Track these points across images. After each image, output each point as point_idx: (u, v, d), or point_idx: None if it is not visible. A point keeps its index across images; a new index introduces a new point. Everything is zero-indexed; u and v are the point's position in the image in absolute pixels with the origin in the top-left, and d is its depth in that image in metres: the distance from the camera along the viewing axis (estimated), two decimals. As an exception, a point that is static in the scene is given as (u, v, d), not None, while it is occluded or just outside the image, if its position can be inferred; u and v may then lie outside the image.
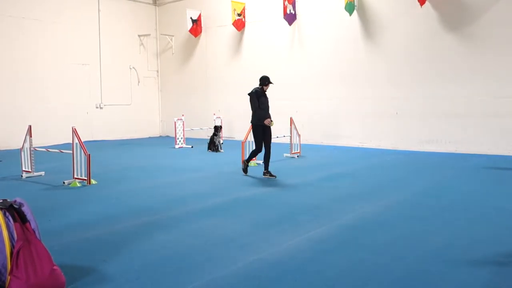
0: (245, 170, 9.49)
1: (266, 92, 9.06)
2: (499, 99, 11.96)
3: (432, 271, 4.13)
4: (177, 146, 14.96)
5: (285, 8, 15.19)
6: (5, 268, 3.51)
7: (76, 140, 8.57)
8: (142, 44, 19.39)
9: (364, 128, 14.28)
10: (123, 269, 4.22)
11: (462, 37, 12.47)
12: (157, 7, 19.94)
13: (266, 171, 9.13)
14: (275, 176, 8.98)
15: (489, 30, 12.04)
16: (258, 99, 8.88)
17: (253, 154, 9.44)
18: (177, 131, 15.07)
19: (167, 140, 17.66)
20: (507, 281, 3.93)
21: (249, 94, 9.04)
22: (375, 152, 13.03)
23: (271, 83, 9.04)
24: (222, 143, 14.04)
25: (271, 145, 9.21)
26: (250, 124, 9.31)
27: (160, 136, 20.10)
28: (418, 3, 12.67)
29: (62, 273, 3.76)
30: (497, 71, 11.95)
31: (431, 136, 13.00)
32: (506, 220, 5.81)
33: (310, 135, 15.01)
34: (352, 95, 14.53)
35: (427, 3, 12.78)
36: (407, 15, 13.32)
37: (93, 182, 8.55)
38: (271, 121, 8.96)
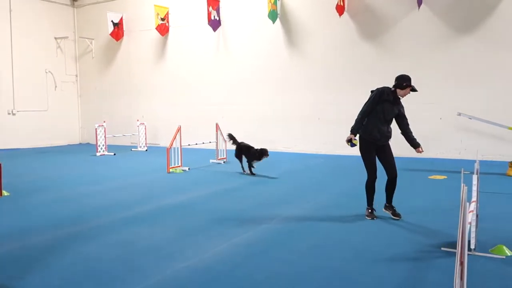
0: (370, 214, 6.21)
1: (400, 98, 6.16)
2: (422, 105, 12.75)
3: (355, 269, 4.30)
4: (98, 154, 14.37)
5: (209, 14, 15.19)
6: None
7: (-15, 149, 7.95)
8: (59, 47, 18.44)
9: (288, 133, 14.62)
10: (40, 286, 3.97)
11: (377, 45, 13.20)
12: (75, 8, 19.08)
13: (389, 205, 6.24)
14: (398, 217, 6.11)
15: (399, 39, 12.85)
16: (377, 103, 6.12)
17: (367, 187, 6.21)
18: (98, 138, 14.48)
19: (87, 148, 16.92)
20: (421, 274, 4.19)
21: (371, 91, 6.40)
22: (299, 157, 13.38)
23: (412, 88, 6.07)
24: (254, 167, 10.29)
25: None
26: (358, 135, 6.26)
27: (80, 143, 19.21)
28: (337, 13, 13.23)
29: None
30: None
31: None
32: (431, 222, 6.19)
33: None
34: (276, 100, 14.82)
35: (345, 13, 13.40)
36: (327, 24, 13.86)
37: (5, 194, 7.97)
38: (355, 139, 6.19)
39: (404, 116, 6.22)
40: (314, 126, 14.19)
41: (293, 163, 12.11)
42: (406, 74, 6.17)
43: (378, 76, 13.10)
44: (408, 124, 6.22)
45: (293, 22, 14.44)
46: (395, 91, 6.12)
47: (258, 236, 5.42)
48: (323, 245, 5.06)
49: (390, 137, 6.22)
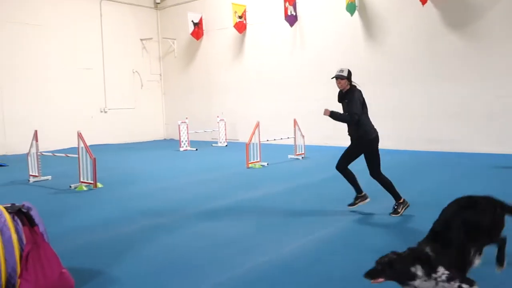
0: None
1: (344, 92, 6.28)
2: (503, 98, 11.92)
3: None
4: (181, 149, 15.00)
5: (286, 9, 15.22)
6: (15, 271, 3.56)
7: (81, 144, 8.64)
8: (144, 48, 19.47)
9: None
10: (129, 272, 4.26)
11: (464, 35, 12.43)
12: (158, 11, 20.01)
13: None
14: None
15: (492, 29, 12.00)
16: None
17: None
18: (181, 134, 15.11)
19: (171, 143, 17.70)
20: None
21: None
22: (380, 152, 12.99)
23: (335, 76, 6.21)
24: None
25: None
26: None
27: (165, 139, 20.15)
28: (420, 2, 12.65)
29: (71, 276, 3.80)
30: (499, 70, 11.91)
31: (435, 136, 12.97)
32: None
33: (315, 136, 14.99)
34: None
35: (429, 2, 12.77)
36: (409, 14, 13.31)
37: (99, 186, 8.61)
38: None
39: (348, 107, 6.13)
40: (394, 121, 13.69)
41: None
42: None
43: (467, 67, 12.40)
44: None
45: (372, 14, 14.03)
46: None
47: (337, 233, 5.38)
48: (402, 245, 4.91)
49: (355, 135, 6.25)
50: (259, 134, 11.14)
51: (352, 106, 6.05)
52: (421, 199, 7.00)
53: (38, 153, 9.47)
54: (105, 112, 18.04)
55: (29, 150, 9.59)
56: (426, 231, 5.25)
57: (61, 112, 16.36)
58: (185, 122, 15.26)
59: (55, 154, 10.53)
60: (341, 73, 6.11)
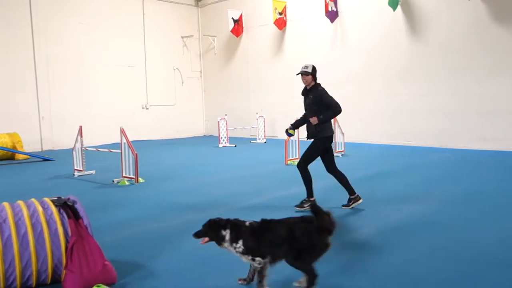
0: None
1: (308, 88, 6.43)
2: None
3: (483, 273, 3.99)
4: (221, 145, 15.12)
5: (326, 5, 15.04)
6: (61, 263, 3.68)
7: (124, 140, 8.84)
8: (185, 45, 19.72)
9: (410, 126, 13.92)
10: (169, 266, 4.33)
11: (514, 29, 11.94)
12: (199, 8, 20.22)
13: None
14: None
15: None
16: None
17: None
18: (220, 131, 15.23)
19: (211, 140, 17.88)
20: None
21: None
22: (421, 150, 12.69)
23: (300, 73, 6.41)
24: None
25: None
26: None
27: (204, 135, 20.37)
28: (466, -4, 12.23)
29: (114, 268, 3.89)
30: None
31: (482, 134, 12.50)
32: None
33: (354, 133, 14.78)
34: (397, 91, 14.19)
35: (476, -5, 12.32)
36: (453, 9, 12.87)
37: (141, 181, 8.79)
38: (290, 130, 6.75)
39: (316, 104, 6.22)
40: (439, 118, 13.30)
41: (413, 157, 11.52)
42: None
43: (514, 63, 11.90)
44: (324, 111, 6.19)
45: (415, 8, 13.64)
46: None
47: (377, 233, 5.27)
48: (448, 245, 4.76)
49: (312, 131, 6.33)
50: (298, 131, 11.05)
51: (331, 100, 6.22)
52: (464, 199, 6.78)
53: (83, 148, 9.78)
54: (147, 108, 18.42)
55: (74, 145, 9.91)
56: (472, 231, 5.08)
57: (104, 108, 16.82)
58: (224, 118, 15.37)
59: (99, 149, 10.83)
60: (305, 69, 6.28)
